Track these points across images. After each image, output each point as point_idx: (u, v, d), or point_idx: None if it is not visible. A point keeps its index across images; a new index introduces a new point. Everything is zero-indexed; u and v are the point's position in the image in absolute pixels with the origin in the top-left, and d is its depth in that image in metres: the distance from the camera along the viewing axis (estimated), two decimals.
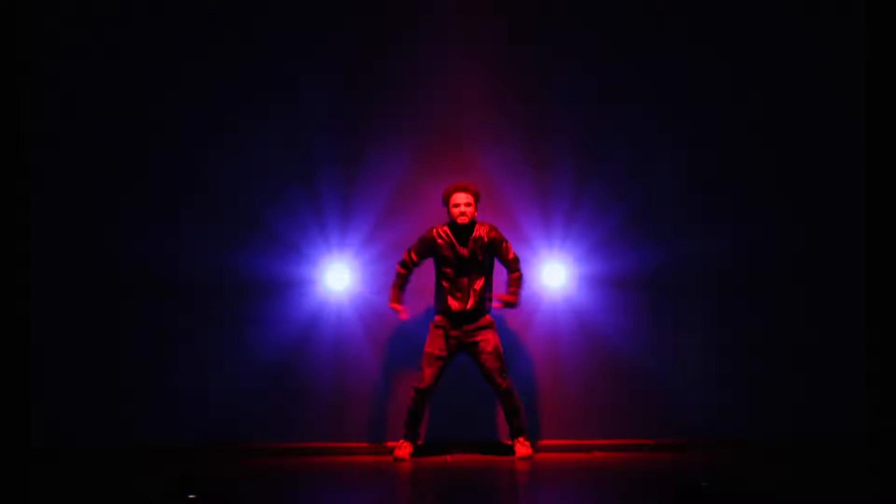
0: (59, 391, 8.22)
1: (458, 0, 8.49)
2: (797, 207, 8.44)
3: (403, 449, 8.01)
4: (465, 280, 7.89)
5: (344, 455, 8.16)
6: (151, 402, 8.24)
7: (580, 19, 8.47)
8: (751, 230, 8.43)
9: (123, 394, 8.24)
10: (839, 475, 7.27)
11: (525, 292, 8.09)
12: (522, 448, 7.99)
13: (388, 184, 8.42)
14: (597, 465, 7.77)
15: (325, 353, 8.38)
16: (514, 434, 8.03)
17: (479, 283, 7.90)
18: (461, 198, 7.85)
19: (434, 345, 7.92)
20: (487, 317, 7.97)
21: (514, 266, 7.97)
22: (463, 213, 7.83)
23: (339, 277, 8.41)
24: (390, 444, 8.12)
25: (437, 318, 7.98)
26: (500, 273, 8.11)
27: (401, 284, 8.00)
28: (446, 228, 7.93)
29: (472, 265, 7.89)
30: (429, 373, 7.90)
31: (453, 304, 7.89)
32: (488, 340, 7.91)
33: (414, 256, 7.97)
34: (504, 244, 7.95)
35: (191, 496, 6.26)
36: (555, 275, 8.44)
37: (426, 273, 8.08)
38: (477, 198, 7.92)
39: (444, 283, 7.93)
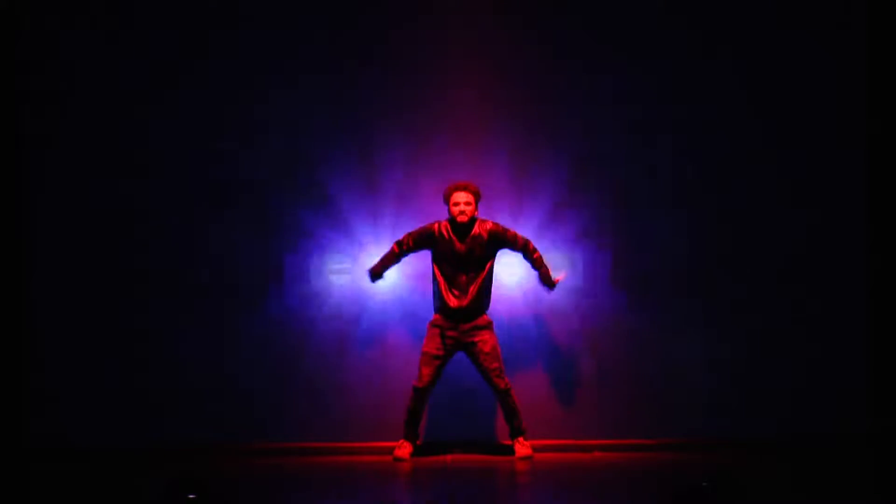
0: (59, 391, 8.22)
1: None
2: (797, 207, 8.44)
3: (403, 449, 8.01)
4: (463, 277, 7.89)
5: (344, 455, 8.16)
6: (151, 401, 8.24)
7: (580, 19, 8.48)
8: (751, 230, 8.43)
9: (123, 394, 8.24)
10: (839, 475, 7.27)
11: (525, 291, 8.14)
12: (522, 448, 7.99)
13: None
14: (597, 465, 7.77)
15: (324, 353, 8.38)
16: (514, 434, 8.03)
17: (477, 282, 7.91)
18: (461, 196, 7.86)
19: (431, 344, 7.93)
20: (485, 317, 7.97)
21: (529, 249, 7.98)
22: (462, 212, 7.84)
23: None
24: (390, 444, 8.11)
25: (435, 317, 7.98)
26: (501, 273, 8.13)
27: (389, 259, 8.01)
28: (447, 224, 7.95)
29: (469, 263, 7.89)
30: (427, 372, 7.91)
31: (451, 301, 7.89)
32: (486, 341, 7.91)
33: (410, 242, 7.98)
34: (508, 233, 7.96)
35: (191, 496, 6.26)
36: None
37: (427, 275, 8.08)
38: (477, 197, 7.93)
39: (442, 281, 7.93)
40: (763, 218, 8.43)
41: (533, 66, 8.48)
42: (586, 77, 8.45)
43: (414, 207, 8.37)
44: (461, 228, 7.88)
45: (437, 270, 7.96)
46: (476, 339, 7.92)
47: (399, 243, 8.01)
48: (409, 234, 8.01)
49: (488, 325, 7.96)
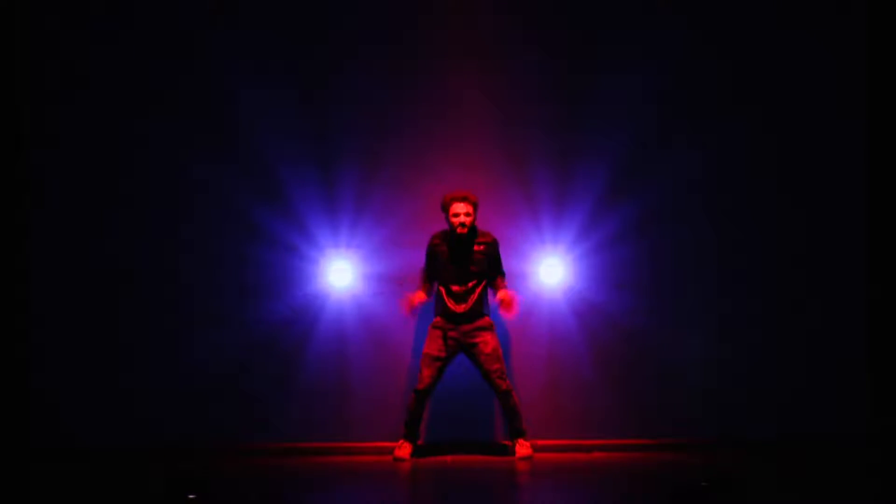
0: (59, 391, 8.22)
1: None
2: (797, 207, 8.44)
3: (403, 449, 8.01)
4: (462, 286, 7.91)
5: (344, 455, 8.16)
6: (151, 401, 8.24)
7: (579, 19, 8.49)
8: (751, 230, 8.43)
9: (123, 394, 8.24)
10: (839, 475, 7.27)
11: (524, 294, 8.18)
12: (522, 448, 7.99)
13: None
14: (597, 465, 7.77)
15: (324, 353, 8.38)
16: (514, 435, 8.03)
17: (476, 290, 7.93)
18: (460, 207, 7.87)
19: (433, 346, 7.93)
20: (486, 318, 7.98)
21: (501, 283, 8.00)
22: (462, 224, 7.86)
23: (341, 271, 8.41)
24: (390, 444, 8.11)
25: (436, 319, 7.99)
26: (503, 267, 8.13)
27: (427, 282, 8.02)
28: (442, 235, 7.97)
29: (469, 271, 7.90)
30: (428, 374, 7.91)
31: (452, 306, 7.90)
32: (487, 342, 7.92)
33: (426, 275, 8.04)
34: (499, 260, 8.03)
35: (191, 496, 6.26)
36: (553, 273, 8.45)
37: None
38: (475, 207, 7.94)
39: (442, 288, 7.95)
40: (763, 218, 8.43)
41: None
42: (586, 75, 8.45)
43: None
44: (461, 238, 7.89)
45: (437, 278, 7.98)
46: (477, 339, 7.92)
47: (424, 280, 8.03)
48: (422, 270, 8.05)
49: (490, 327, 7.97)
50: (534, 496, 6.89)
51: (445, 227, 7.99)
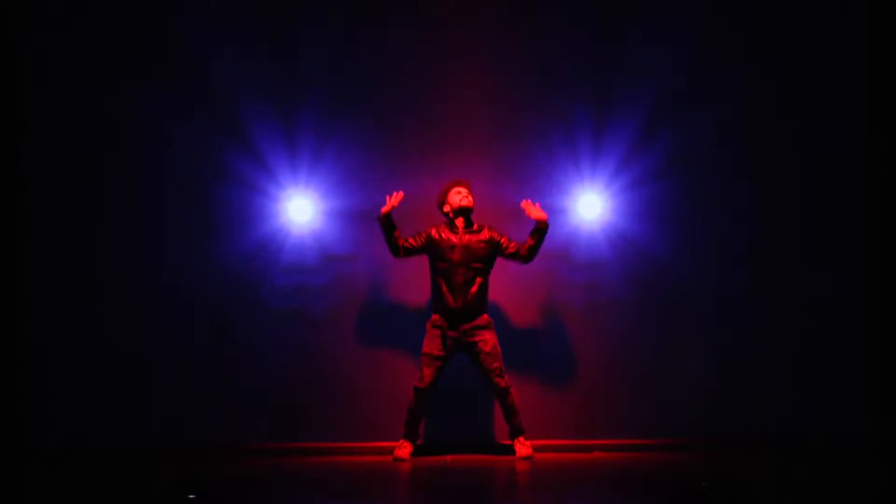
0: (59, 391, 8.22)
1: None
2: (797, 207, 8.44)
3: (403, 449, 8.01)
4: (461, 278, 7.89)
5: (344, 455, 8.16)
6: (151, 401, 8.24)
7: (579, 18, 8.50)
8: (751, 230, 8.43)
9: (123, 394, 8.23)
10: (839, 475, 7.27)
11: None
12: (522, 448, 7.99)
13: None
14: (597, 465, 7.77)
15: (324, 353, 8.38)
16: (514, 434, 8.03)
17: (476, 282, 7.91)
18: (460, 189, 7.97)
19: (432, 345, 7.93)
20: (485, 316, 7.97)
21: (521, 248, 7.97)
22: (465, 198, 7.93)
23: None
24: (390, 444, 8.11)
25: (434, 317, 7.98)
26: (499, 273, 8.14)
27: (391, 236, 7.95)
28: (442, 227, 7.97)
29: (468, 261, 7.89)
30: (428, 373, 7.91)
31: (450, 301, 7.89)
32: (486, 341, 7.92)
33: (411, 240, 7.98)
34: (503, 240, 7.98)
35: (191, 496, 6.26)
36: (592, 208, 8.45)
37: (426, 275, 8.08)
38: (473, 199, 7.98)
39: (441, 281, 7.93)
40: (764, 217, 8.42)
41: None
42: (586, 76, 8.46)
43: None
44: (462, 215, 7.91)
45: (435, 272, 7.97)
46: (476, 339, 7.92)
47: (405, 238, 7.97)
48: (409, 236, 8.00)
49: (488, 325, 7.97)
50: (534, 496, 6.89)
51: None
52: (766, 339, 8.38)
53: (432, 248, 7.96)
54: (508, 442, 8.10)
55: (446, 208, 8.01)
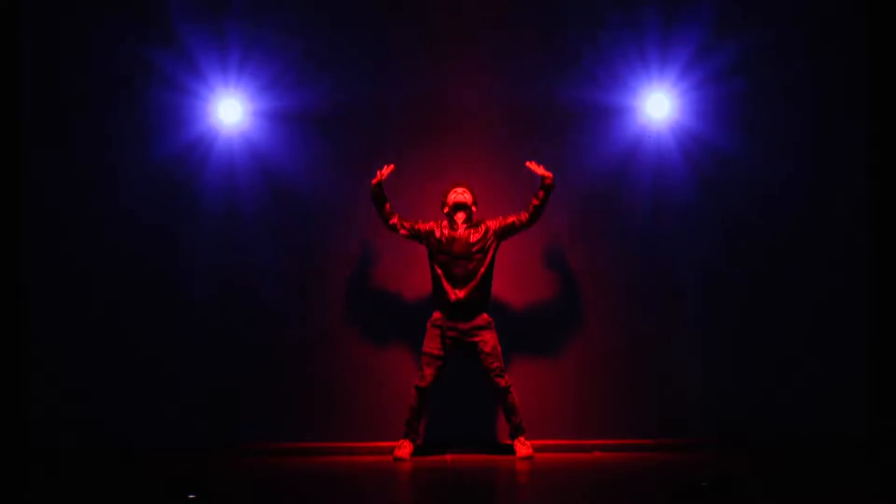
0: (59, 391, 8.22)
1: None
2: (797, 206, 8.43)
3: (403, 449, 8.01)
4: (461, 270, 7.89)
5: (344, 455, 8.16)
6: (151, 401, 8.24)
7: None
8: (751, 230, 8.42)
9: (123, 394, 8.23)
10: (839, 475, 7.27)
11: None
12: (523, 448, 7.99)
13: None
14: (597, 465, 7.77)
15: (324, 352, 8.38)
16: (515, 433, 8.03)
17: (477, 275, 7.90)
18: (458, 189, 7.98)
19: (432, 344, 7.93)
20: (485, 316, 7.97)
21: (526, 217, 7.97)
22: (461, 194, 7.94)
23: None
24: (390, 444, 8.11)
25: (435, 315, 7.98)
26: (500, 268, 8.12)
27: (384, 206, 7.96)
28: (445, 222, 7.98)
29: (468, 253, 7.89)
30: (428, 373, 7.91)
31: (450, 293, 7.89)
32: (487, 341, 7.92)
33: (406, 224, 7.97)
34: (506, 219, 7.98)
35: (191, 496, 6.26)
36: (660, 107, 8.37)
37: (426, 275, 8.08)
38: (474, 199, 7.99)
39: (441, 273, 7.93)
40: (764, 217, 8.42)
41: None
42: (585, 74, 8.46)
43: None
44: (460, 210, 7.91)
45: (435, 265, 7.97)
46: (477, 339, 7.92)
47: (400, 216, 7.99)
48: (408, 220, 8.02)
49: (488, 325, 7.97)
50: (534, 496, 6.89)
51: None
52: (765, 340, 8.38)
53: (431, 242, 7.95)
54: (509, 442, 8.10)
55: (446, 210, 8.00)
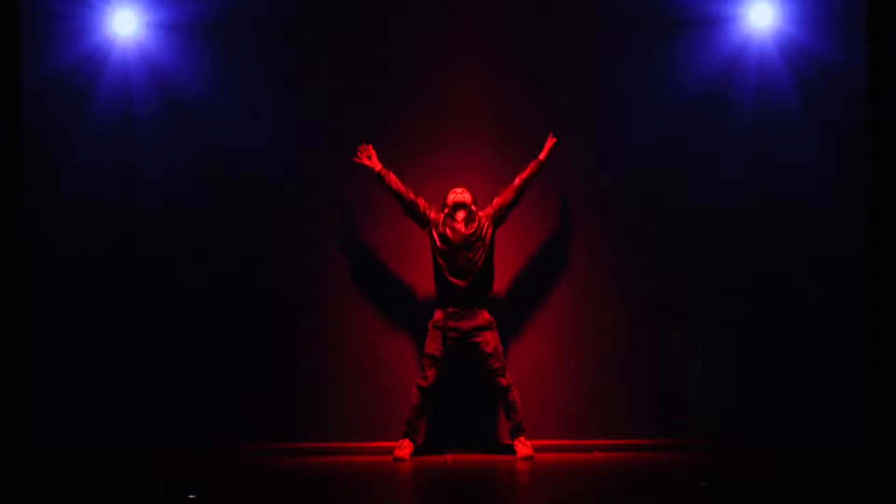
0: (59, 391, 8.22)
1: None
2: (798, 205, 8.42)
3: (403, 449, 8.01)
4: (462, 258, 7.89)
5: (344, 455, 8.16)
6: (151, 401, 8.24)
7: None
8: (751, 229, 8.42)
9: (123, 394, 8.23)
10: (839, 475, 7.27)
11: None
12: (523, 448, 7.99)
13: None
14: (597, 465, 7.77)
15: (324, 352, 8.38)
16: (515, 433, 8.03)
17: (477, 263, 7.90)
18: (457, 189, 7.99)
19: (434, 345, 7.93)
20: (486, 315, 7.97)
21: (518, 185, 7.97)
22: (462, 195, 7.94)
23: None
24: (390, 444, 8.11)
25: (436, 315, 7.98)
26: (503, 267, 8.13)
27: (396, 188, 7.97)
28: (445, 214, 7.99)
29: (468, 243, 7.89)
30: (430, 373, 7.92)
31: (453, 281, 7.88)
32: (488, 341, 7.92)
33: (412, 195, 7.98)
34: (496, 200, 7.98)
35: (191, 496, 6.27)
36: (763, 15, 8.18)
37: (426, 276, 8.08)
38: (474, 199, 7.99)
39: (442, 264, 7.92)
40: (764, 217, 8.42)
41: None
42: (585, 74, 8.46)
43: None
44: (460, 209, 7.92)
45: (437, 257, 7.96)
46: (478, 339, 7.92)
47: (413, 191, 8.01)
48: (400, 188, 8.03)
49: (490, 325, 7.97)
50: (534, 496, 6.89)
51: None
52: (765, 340, 8.38)
53: (432, 234, 7.94)
54: (509, 442, 8.10)
55: (446, 210, 7.99)
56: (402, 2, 8.51)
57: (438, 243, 7.95)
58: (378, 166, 7.99)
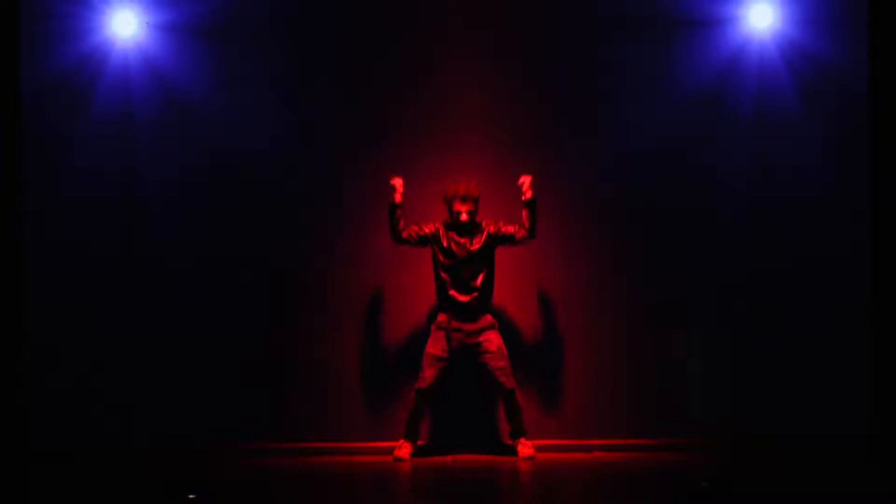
0: (59, 391, 8.22)
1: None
2: (798, 206, 8.42)
3: (403, 449, 8.00)
4: (466, 273, 7.89)
5: (344, 455, 8.16)
6: (151, 401, 8.24)
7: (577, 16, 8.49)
8: (752, 229, 8.42)
9: (123, 393, 8.23)
10: (839, 475, 7.27)
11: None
12: (524, 448, 7.99)
13: None
14: (597, 465, 7.77)
15: (325, 352, 8.38)
16: (517, 434, 8.03)
17: (479, 277, 7.91)
18: (463, 202, 7.90)
19: (436, 346, 7.93)
20: (489, 317, 7.97)
21: (520, 232, 7.92)
22: (465, 214, 7.88)
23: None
24: (390, 444, 8.11)
25: (440, 317, 7.98)
26: (503, 268, 8.12)
27: (396, 223, 7.92)
28: (445, 223, 7.97)
29: (472, 257, 7.89)
30: (430, 374, 7.91)
31: (456, 295, 7.89)
32: (491, 341, 7.92)
33: (414, 227, 7.95)
34: (501, 228, 7.93)
35: (191, 496, 6.27)
36: (763, 16, 8.19)
37: (426, 276, 8.08)
38: (477, 201, 7.95)
39: (445, 277, 7.93)
40: (765, 217, 8.42)
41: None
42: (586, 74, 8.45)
43: None
44: (462, 226, 7.90)
45: (439, 269, 7.96)
46: (481, 339, 7.92)
47: (406, 235, 7.96)
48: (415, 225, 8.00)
49: (493, 326, 7.97)
50: (534, 496, 6.89)
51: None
52: (765, 340, 8.38)
53: (435, 244, 7.95)
54: (510, 442, 8.10)
55: (455, 205, 7.95)
56: (401, 2, 8.52)
57: (442, 258, 7.95)
58: (399, 199, 7.93)
